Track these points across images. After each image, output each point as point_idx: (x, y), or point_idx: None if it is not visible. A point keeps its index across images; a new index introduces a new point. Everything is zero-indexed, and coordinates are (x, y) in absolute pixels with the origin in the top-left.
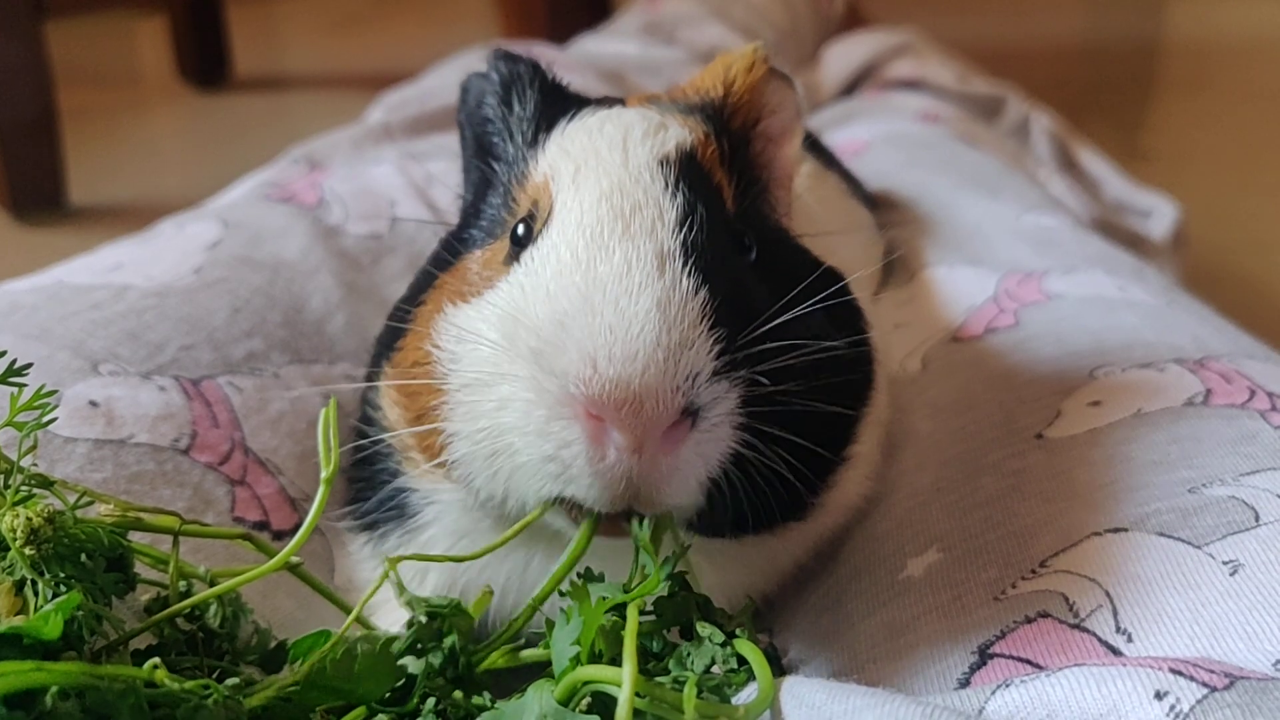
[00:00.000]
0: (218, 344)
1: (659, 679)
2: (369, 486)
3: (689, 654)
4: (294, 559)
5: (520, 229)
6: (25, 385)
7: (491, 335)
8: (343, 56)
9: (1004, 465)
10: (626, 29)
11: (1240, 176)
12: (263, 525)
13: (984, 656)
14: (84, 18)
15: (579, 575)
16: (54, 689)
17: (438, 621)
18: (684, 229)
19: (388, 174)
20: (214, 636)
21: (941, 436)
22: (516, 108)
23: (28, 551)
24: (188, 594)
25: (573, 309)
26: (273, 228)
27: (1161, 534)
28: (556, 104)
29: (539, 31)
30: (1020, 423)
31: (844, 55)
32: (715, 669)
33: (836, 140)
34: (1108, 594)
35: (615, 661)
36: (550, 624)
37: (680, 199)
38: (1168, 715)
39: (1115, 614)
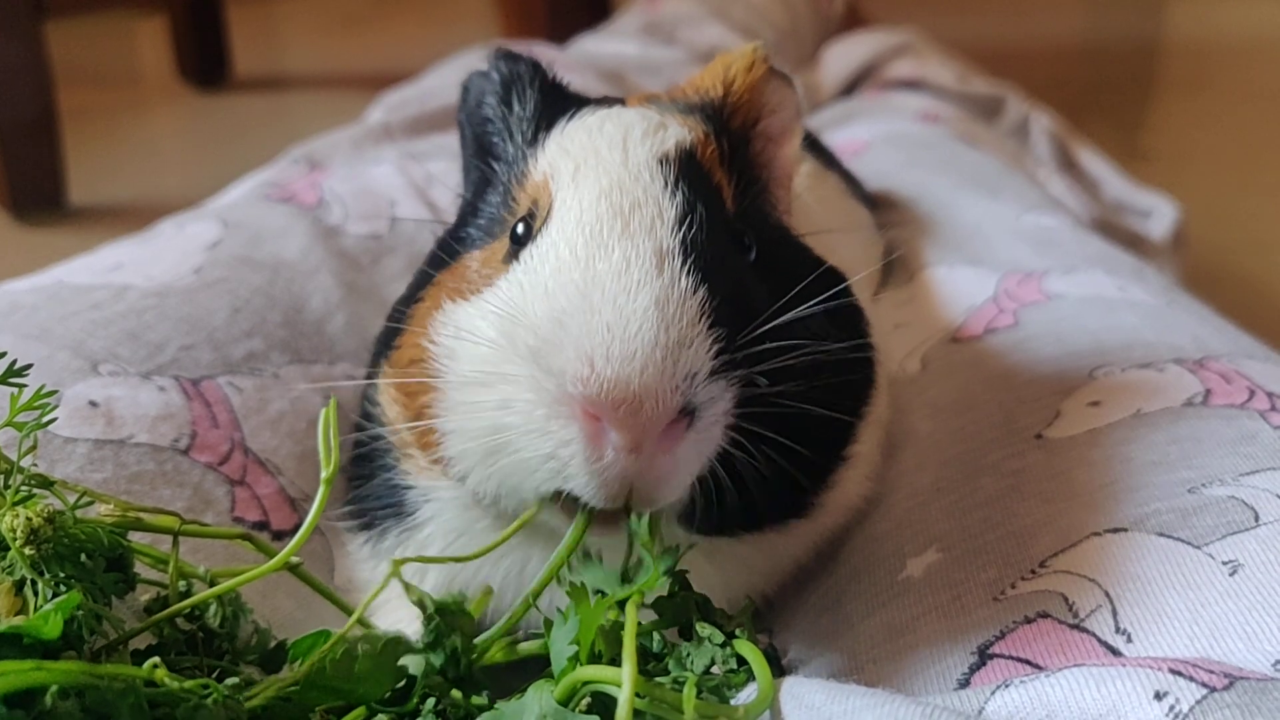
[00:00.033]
0: (218, 344)
1: (659, 679)
2: (367, 483)
3: (689, 654)
4: (294, 559)
5: (520, 227)
6: (25, 385)
7: (490, 333)
8: (343, 56)
9: (1003, 465)
10: (626, 29)
11: (1240, 176)
12: (262, 525)
13: (983, 657)
14: (84, 18)
15: (582, 554)
16: (54, 688)
17: (444, 619)
18: (683, 227)
19: (388, 174)
20: (214, 636)
21: (941, 437)
22: (516, 107)
23: (28, 551)
24: (187, 594)
25: (571, 307)
26: (273, 228)
27: (1161, 534)
28: (556, 103)
29: (539, 31)
30: (1020, 423)
31: (844, 55)
32: (715, 669)
33: (836, 140)
34: (1107, 594)
35: (614, 661)
36: (549, 623)
37: (679, 198)
38: (1167, 715)
39: (1115, 614)
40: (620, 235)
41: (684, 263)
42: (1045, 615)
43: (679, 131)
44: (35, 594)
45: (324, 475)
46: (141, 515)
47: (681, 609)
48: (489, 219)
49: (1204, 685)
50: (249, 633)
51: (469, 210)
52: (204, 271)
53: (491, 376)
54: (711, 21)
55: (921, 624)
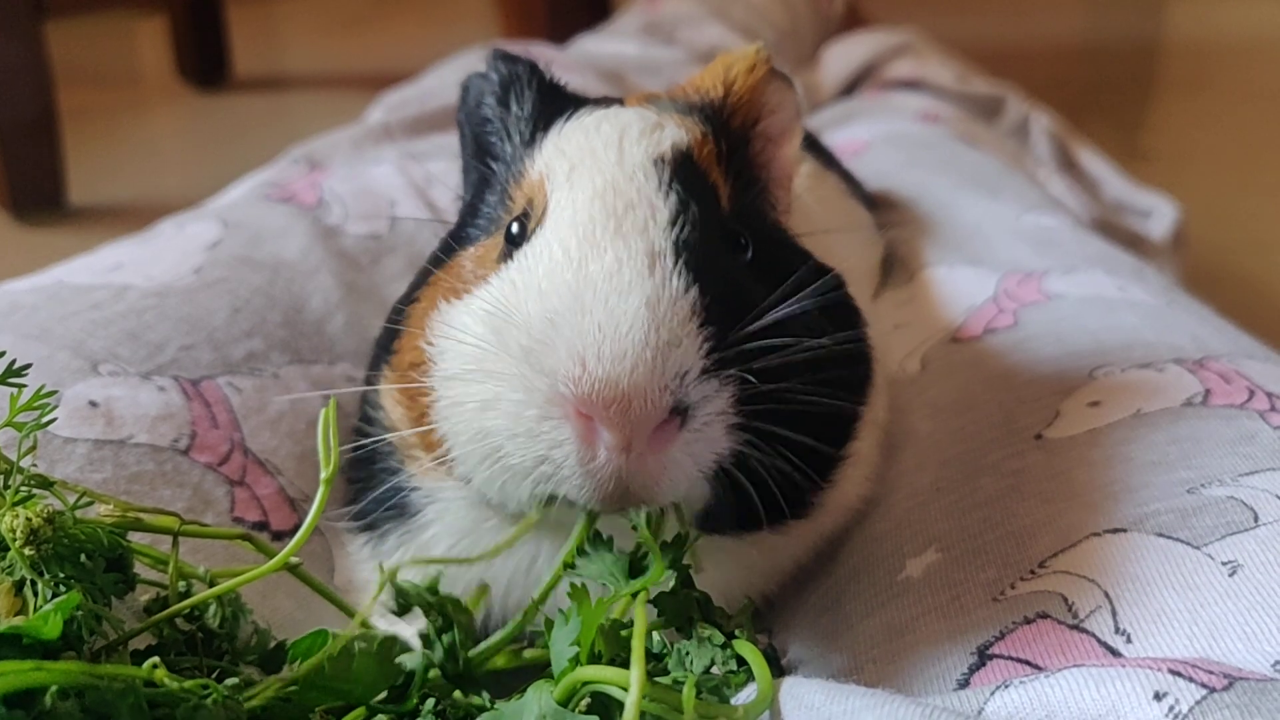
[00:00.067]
0: (217, 344)
1: (658, 679)
2: (368, 486)
3: (688, 654)
4: (293, 559)
5: (514, 226)
6: (25, 385)
7: (480, 331)
8: (343, 56)
9: (1003, 466)
10: (626, 29)
11: (1240, 176)
12: (262, 526)
13: (983, 657)
14: (84, 18)
15: (593, 538)
16: (53, 689)
17: (441, 614)
18: (676, 228)
19: (387, 174)
20: (213, 637)
21: (941, 437)
22: (515, 107)
23: (27, 552)
24: (187, 594)
25: (563, 307)
26: (273, 228)
27: (1160, 534)
28: (554, 104)
29: (539, 31)
30: (1019, 423)
31: (844, 55)
32: (715, 669)
33: (836, 140)
34: (1107, 594)
35: (614, 662)
36: (549, 623)
37: (674, 198)
38: (1166, 716)
39: (1114, 615)
40: (613, 236)
41: (676, 263)
42: (1045, 616)
43: (676, 132)
44: (35, 594)
45: (324, 475)
46: (141, 516)
47: (683, 607)
48: (486, 218)
49: (1203, 686)
50: (249, 633)
51: (468, 211)
52: (204, 271)
53: (480, 374)
54: (711, 21)
55: (921, 624)
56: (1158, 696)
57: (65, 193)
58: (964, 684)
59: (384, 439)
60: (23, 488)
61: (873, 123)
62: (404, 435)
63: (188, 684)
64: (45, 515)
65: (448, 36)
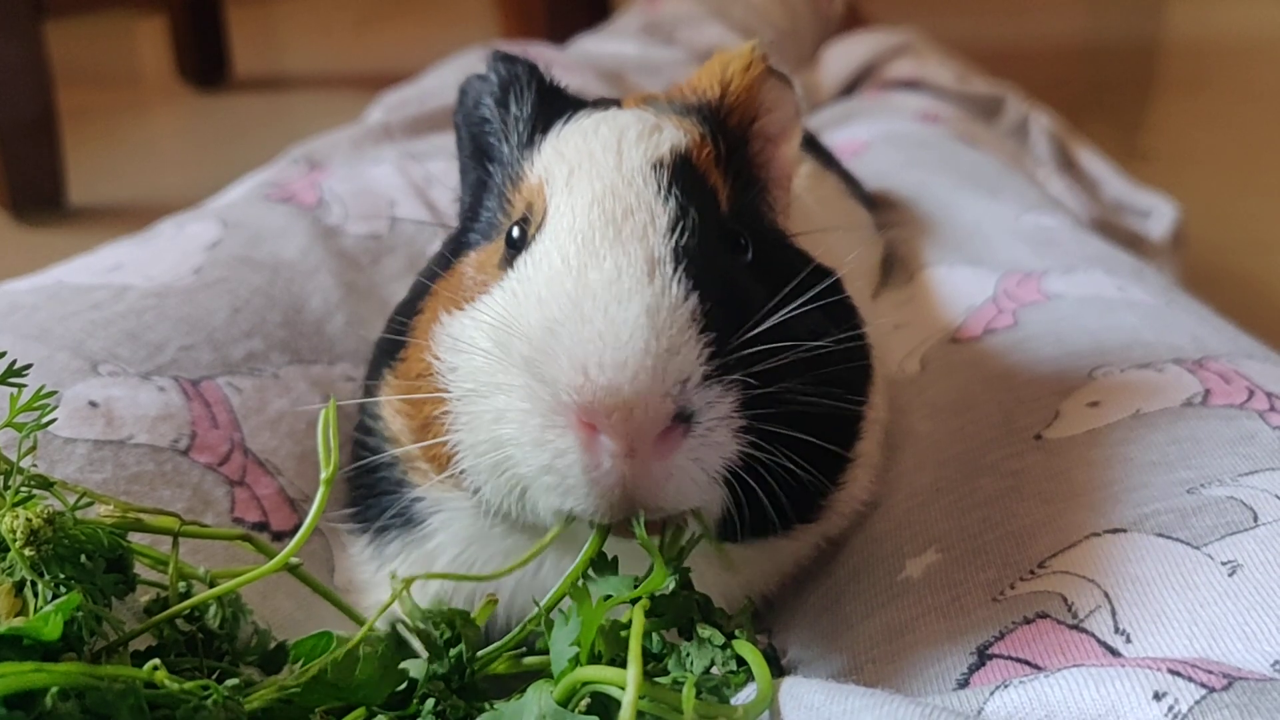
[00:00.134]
0: (217, 344)
1: (658, 679)
2: (370, 494)
3: (688, 654)
4: (294, 560)
5: (515, 231)
6: (25, 386)
7: (485, 343)
8: (343, 56)
9: (1003, 466)
10: (626, 29)
11: (1240, 176)
12: (262, 526)
13: (983, 657)
14: (84, 18)
15: (601, 555)
16: (54, 690)
17: (449, 629)
18: (675, 233)
19: (387, 174)
20: (214, 637)
21: (940, 437)
22: (513, 109)
23: (27, 552)
24: (187, 595)
25: (564, 316)
26: (272, 228)
27: (1160, 534)
28: (553, 105)
29: (538, 32)
30: (1019, 423)
31: (843, 55)
32: (714, 670)
33: (836, 140)
34: (1106, 595)
35: (614, 662)
36: (549, 623)
37: (673, 203)
38: (1166, 716)
39: (1114, 614)
40: (613, 243)
41: (675, 269)
42: (1044, 616)
43: (674, 134)
44: (35, 595)
45: (323, 476)
46: (141, 516)
47: (682, 609)
48: (486, 223)
49: (1203, 686)
50: (249, 634)
51: (467, 215)
52: (204, 271)
53: (488, 387)
54: (711, 21)
55: (921, 624)
56: (1157, 696)
57: (65, 193)
58: (964, 684)
59: (390, 454)
60: (23, 488)
61: (872, 123)
62: (409, 450)
63: (188, 685)
64: (45, 516)
65: (448, 36)
